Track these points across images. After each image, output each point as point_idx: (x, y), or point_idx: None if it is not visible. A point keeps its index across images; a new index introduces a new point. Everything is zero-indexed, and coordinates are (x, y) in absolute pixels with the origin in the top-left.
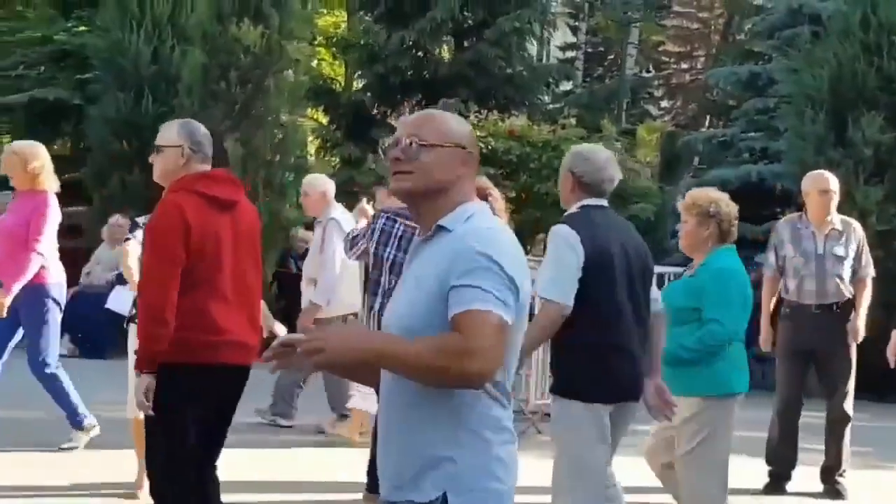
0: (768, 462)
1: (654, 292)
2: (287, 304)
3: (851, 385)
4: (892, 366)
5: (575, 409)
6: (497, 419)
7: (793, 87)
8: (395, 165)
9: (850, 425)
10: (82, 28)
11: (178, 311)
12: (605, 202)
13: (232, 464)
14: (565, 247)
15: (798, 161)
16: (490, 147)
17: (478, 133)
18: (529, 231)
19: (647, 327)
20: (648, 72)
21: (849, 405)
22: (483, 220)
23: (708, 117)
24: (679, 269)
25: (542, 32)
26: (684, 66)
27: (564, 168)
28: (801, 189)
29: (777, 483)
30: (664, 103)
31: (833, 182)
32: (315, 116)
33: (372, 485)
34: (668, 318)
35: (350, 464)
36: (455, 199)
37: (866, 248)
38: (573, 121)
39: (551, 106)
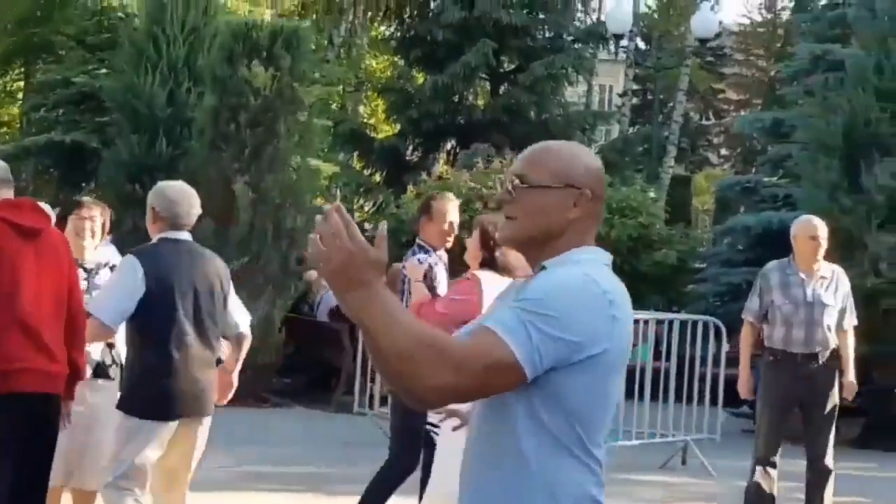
0: None
1: None
2: (297, 350)
3: (831, 437)
4: None
5: (132, 422)
6: (579, 485)
7: (809, 134)
8: (503, 209)
9: (832, 477)
10: (102, 70)
11: None
12: (182, 234)
13: None
14: (126, 273)
15: (811, 208)
16: None
17: (502, 177)
18: None
19: (214, 348)
20: (707, 119)
21: (829, 458)
22: (580, 269)
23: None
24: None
25: (581, 78)
26: (743, 113)
27: (148, 203)
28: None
29: None
30: (724, 151)
31: (822, 228)
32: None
33: None
34: None
35: None
36: (570, 244)
37: (850, 297)
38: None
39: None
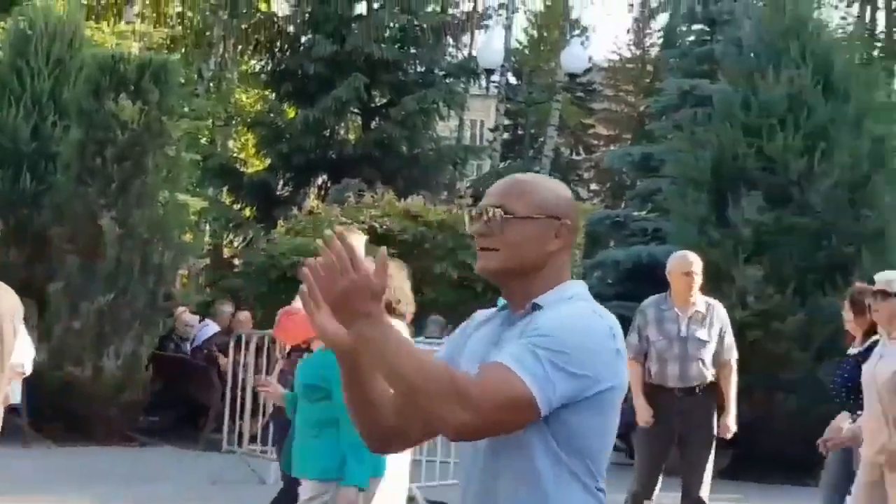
0: None
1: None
2: (164, 388)
3: (709, 470)
4: (824, 453)
5: None
6: None
7: (677, 168)
8: (479, 241)
9: None
10: None
11: None
12: None
13: None
14: None
15: (680, 242)
16: (386, 227)
17: (373, 212)
18: (426, 312)
19: None
20: (578, 154)
21: (705, 491)
22: (583, 305)
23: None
24: None
25: (453, 112)
26: (613, 147)
27: None
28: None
29: None
30: (594, 185)
31: (696, 264)
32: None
33: None
34: (300, 393)
35: None
36: (550, 275)
37: (730, 331)
38: (470, 200)
39: (459, 186)
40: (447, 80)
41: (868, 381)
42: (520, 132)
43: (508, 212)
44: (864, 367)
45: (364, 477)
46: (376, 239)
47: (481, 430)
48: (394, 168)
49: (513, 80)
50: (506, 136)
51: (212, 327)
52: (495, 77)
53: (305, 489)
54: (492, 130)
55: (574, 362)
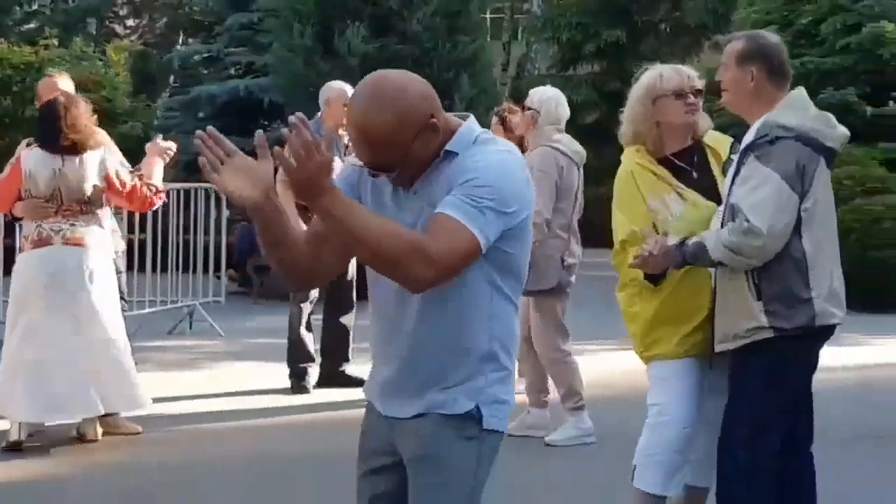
0: (289, 364)
1: None
2: None
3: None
4: None
5: None
6: (516, 333)
7: (279, 2)
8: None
9: None
10: None
11: None
12: None
13: None
14: None
15: (286, 74)
16: None
17: None
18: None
19: None
20: None
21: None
22: (490, 143)
23: (181, 34)
24: None
25: None
26: None
27: None
28: (288, 101)
29: (300, 383)
30: (130, 22)
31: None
32: None
33: None
34: None
35: None
36: (441, 138)
37: None
38: (56, 41)
39: (26, 27)
40: None
41: None
42: None
43: (377, 169)
44: None
45: None
46: None
47: (439, 280)
48: None
49: None
50: None
51: None
52: None
53: None
54: None
55: (504, 201)
